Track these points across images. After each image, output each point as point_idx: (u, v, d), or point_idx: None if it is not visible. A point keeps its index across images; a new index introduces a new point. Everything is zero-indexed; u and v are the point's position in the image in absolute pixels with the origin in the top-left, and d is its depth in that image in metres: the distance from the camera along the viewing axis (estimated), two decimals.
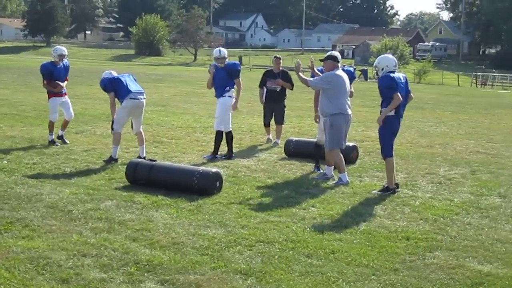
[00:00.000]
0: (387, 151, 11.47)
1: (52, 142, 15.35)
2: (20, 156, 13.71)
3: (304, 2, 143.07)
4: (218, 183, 11.00)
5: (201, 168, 11.46)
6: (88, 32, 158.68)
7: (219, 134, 14.37)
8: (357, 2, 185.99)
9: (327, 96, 12.07)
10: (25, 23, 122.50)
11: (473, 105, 35.62)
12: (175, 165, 12.36)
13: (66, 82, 15.78)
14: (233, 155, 14.41)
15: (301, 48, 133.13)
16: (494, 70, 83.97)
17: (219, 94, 14.32)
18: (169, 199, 10.33)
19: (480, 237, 8.95)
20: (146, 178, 11.16)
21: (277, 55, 17.40)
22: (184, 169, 11.53)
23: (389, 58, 11.67)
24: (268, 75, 16.97)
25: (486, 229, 9.35)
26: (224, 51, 14.54)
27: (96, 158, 13.81)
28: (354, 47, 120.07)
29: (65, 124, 15.83)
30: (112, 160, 13.35)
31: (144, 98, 13.58)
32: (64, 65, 15.71)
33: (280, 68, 16.97)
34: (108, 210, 9.59)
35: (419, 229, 9.20)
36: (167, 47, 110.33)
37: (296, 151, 14.83)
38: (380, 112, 11.42)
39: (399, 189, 11.53)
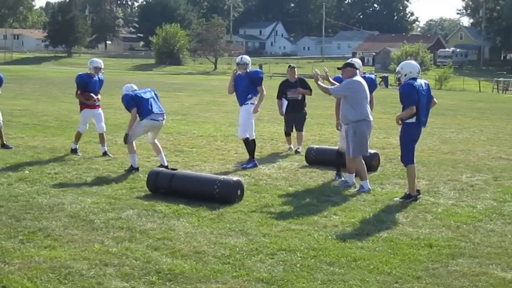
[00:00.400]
0: (407, 158, 11.41)
1: (74, 151, 15.37)
2: (42, 166, 13.77)
3: (323, 10, 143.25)
4: (239, 192, 10.98)
5: (222, 176, 11.45)
6: (108, 42, 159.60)
7: (247, 142, 14.39)
8: (377, 9, 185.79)
9: (349, 103, 12.03)
10: (46, 34, 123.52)
11: (495, 111, 35.43)
12: (196, 173, 12.37)
13: (99, 95, 15.65)
14: (256, 163, 14.39)
15: (321, 56, 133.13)
16: None
17: (242, 101, 14.34)
18: (190, 208, 10.32)
19: (503, 243, 8.87)
20: (167, 187, 11.17)
21: (291, 64, 17.35)
22: (205, 178, 11.52)
23: (413, 64, 11.61)
24: (287, 85, 16.91)
25: (510, 236, 9.26)
26: (246, 57, 14.52)
27: (117, 167, 13.85)
28: (374, 54, 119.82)
29: (101, 138, 15.62)
30: (133, 169, 13.38)
31: (164, 119, 13.62)
32: (99, 78, 15.61)
33: (296, 76, 16.92)
34: (129, 219, 9.60)
35: (441, 236, 9.14)
36: (187, 56, 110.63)
37: (317, 158, 14.79)
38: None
39: (421, 196, 11.47)
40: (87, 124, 15.62)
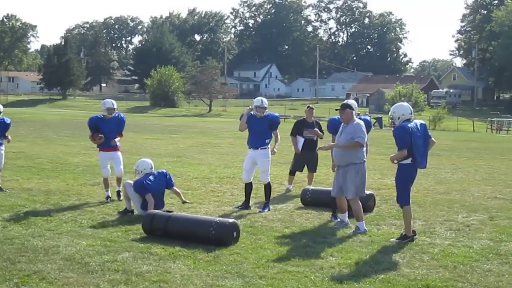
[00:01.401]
0: (403, 199, 11.43)
1: (107, 199, 14.88)
2: (37, 208, 13.74)
3: (317, 52, 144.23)
4: (235, 234, 10.95)
5: (218, 218, 11.43)
6: (103, 85, 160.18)
7: (268, 186, 14.40)
8: (370, 50, 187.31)
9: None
10: (42, 76, 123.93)
11: (489, 150, 35.53)
12: (192, 216, 12.33)
13: (119, 137, 15.29)
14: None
15: (315, 97, 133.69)
16: (509, 116, 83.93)
17: (258, 144, 14.18)
18: (186, 250, 10.28)
19: (500, 283, 8.85)
20: (163, 229, 11.14)
21: (310, 105, 17.38)
22: (201, 220, 11.49)
23: (404, 106, 11.67)
24: (303, 124, 16.88)
25: (507, 276, 9.24)
26: (266, 101, 14.49)
27: (113, 210, 13.81)
28: (368, 95, 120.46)
29: (118, 180, 15.18)
30: (127, 212, 13.35)
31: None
32: (117, 118, 15.19)
33: (312, 117, 17.00)
34: (125, 262, 9.55)
35: (438, 277, 9.11)
36: (182, 98, 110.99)
37: (313, 200, 14.77)
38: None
39: (416, 236, 11.45)
40: (107, 167, 15.12)
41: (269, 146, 14.33)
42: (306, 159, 16.98)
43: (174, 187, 13.39)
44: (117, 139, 15.14)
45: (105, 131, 14.96)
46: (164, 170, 13.69)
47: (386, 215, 13.83)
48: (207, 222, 11.06)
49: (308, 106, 17.33)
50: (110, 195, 15.02)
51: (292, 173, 17.23)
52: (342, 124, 12.45)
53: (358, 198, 12.23)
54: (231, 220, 11.22)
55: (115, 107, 15.22)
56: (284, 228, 12.39)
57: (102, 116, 15.10)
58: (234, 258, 9.94)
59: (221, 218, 11.57)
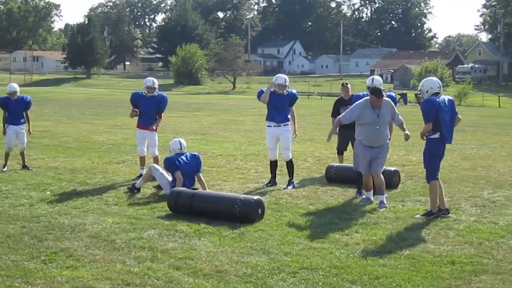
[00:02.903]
0: (430, 174, 11.37)
1: (138, 177, 14.65)
2: (63, 186, 13.84)
3: (341, 28, 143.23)
4: (260, 210, 10.97)
5: (242, 195, 11.46)
6: (127, 63, 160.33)
7: (290, 163, 14.49)
8: (395, 26, 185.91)
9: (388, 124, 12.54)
10: (66, 56, 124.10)
11: None
12: (217, 193, 12.38)
13: (159, 119, 15.13)
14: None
15: (339, 74, 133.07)
16: None
17: (281, 120, 14.21)
18: (211, 227, 10.32)
19: None
20: (188, 207, 11.18)
21: (344, 83, 16.56)
22: (225, 197, 11.53)
23: (433, 80, 11.60)
24: (340, 103, 16.30)
25: None
26: (287, 78, 14.49)
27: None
28: (392, 71, 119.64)
29: (155, 160, 14.95)
30: (135, 189, 13.38)
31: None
32: (157, 97, 15.00)
33: (350, 94, 16.47)
34: (151, 239, 9.61)
35: (464, 253, 9.08)
36: (206, 75, 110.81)
37: (337, 176, 14.77)
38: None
39: (448, 215, 11.35)
40: (142, 145, 15.07)
41: (290, 122, 14.36)
42: (349, 137, 16.29)
43: (200, 174, 13.31)
44: (154, 126, 14.96)
45: (143, 109, 14.90)
46: (197, 153, 13.64)
47: (411, 192, 13.79)
48: (232, 199, 11.08)
49: (342, 84, 16.72)
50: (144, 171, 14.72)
51: (339, 152, 16.66)
52: (364, 107, 12.35)
53: None
54: (256, 197, 11.24)
55: (156, 86, 15.04)
56: (308, 205, 12.40)
57: (144, 93, 15.02)
58: (259, 235, 9.97)
59: (246, 195, 11.61)
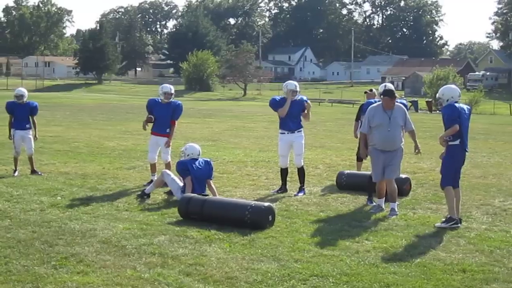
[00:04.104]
0: (446, 180, 11.29)
1: (149, 183, 14.47)
2: (74, 192, 13.86)
3: (352, 35, 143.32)
4: (270, 217, 10.96)
5: (253, 202, 11.46)
6: (138, 69, 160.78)
7: (302, 170, 14.49)
8: (406, 33, 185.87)
9: (401, 129, 12.37)
10: (77, 61, 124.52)
11: None
12: (227, 199, 12.37)
13: (173, 127, 15.01)
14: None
15: (350, 81, 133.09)
16: None
17: (295, 127, 14.24)
18: (221, 234, 10.32)
19: None
20: (199, 213, 11.18)
21: (366, 90, 16.34)
22: (236, 204, 11.52)
23: (453, 88, 11.53)
24: (361, 109, 16.36)
25: None
26: (298, 84, 14.51)
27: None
28: (403, 78, 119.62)
29: (167, 166, 14.82)
30: (145, 195, 13.37)
31: None
32: (172, 105, 14.95)
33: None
34: (161, 245, 9.61)
35: (475, 261, 9.05)
36: (217, 82, 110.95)
37: (348, 183, 14.74)
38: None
39: (459, 225, 11.28)
40: (153, 153, 15.01)
41: (303, 128, 14.37)
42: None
43: (211, 181, 13.30)
44: (173, 129, 14.99)
45: (157, 115, 14.87)
46: (209, 160, 13.64)
47: (422, 199, 13.76)
48: (242, 206, 11.07)
49: (365, 92, 16.59)
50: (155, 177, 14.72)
51: (358, 159, 16.65)
52: (375, 109, 12.36)
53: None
54: (266, 204, 11.24)
55: (173, 92, 15.06)
56: (319, 211, 12.38)
57: (160, 100, 15.01)
58: (270, 241, 9.96)
59: (256, 202, 11.61)
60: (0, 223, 10.87)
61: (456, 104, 11.17)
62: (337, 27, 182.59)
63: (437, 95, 11.62)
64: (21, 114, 16.12)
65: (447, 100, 11.25)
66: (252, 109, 57.41)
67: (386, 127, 12.10)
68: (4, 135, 16.63)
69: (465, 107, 11.42)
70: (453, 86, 11.88)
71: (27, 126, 16.18)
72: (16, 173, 15.86)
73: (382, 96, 12.57)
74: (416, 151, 12.37)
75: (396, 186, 12.35)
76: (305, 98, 14.49)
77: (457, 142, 11.16)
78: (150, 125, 15.09)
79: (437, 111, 49.71)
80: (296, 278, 8.15)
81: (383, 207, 12.46)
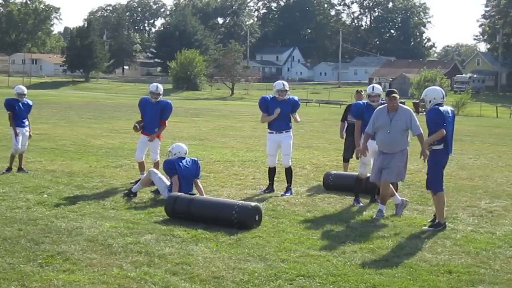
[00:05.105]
0: (437, 185, 11.31)
1: (136, 182, 14.38)
2: (60, 190, 13.81)
3: (340, 36, 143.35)
4: (257, 217, 10.96)
5: (240, 202, 11.46)
6: (126, 67, 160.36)
7: (289, 170, 14.48)
8: (394, 35, 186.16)
9: (407, 132, 12.15)
10: (65, 59, 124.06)
11: None
12: (214, 199, 12.36)
13: (163, 126, 15.03)
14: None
15: (337, 82, 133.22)
16: None
17: (283, 127, 14.23)
18: (208, 233, 10.32)
19: None
20: (186, 212, 11.17)
21: (359, 89, 16.55)
22: (223, 203, 11.51)
23: (437, 90, 11.55)
24: (348, 109, 16.37)
25: None
26: (287, 84, 14.45)
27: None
28: (391, 79, 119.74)
29: (156, 165, 14.80)
30: (131, 193, 13.34)
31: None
32: (160, 104, 14.84)
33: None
34: (148, 244, 9.60)
35: (461, 263, 9.09)
36: (205, 81, 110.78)
37: (335, 184, 14.76)
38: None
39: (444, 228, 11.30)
40: (140, 151, 14.96)
41: (291, 129, 14.36)
42: (354, 144, 16.13)
43: (198, 180, 13.29)
44: (161, 128, 14.97)
45: (146, 114, 14.84)
46: (196, 159, 13.62)
47: (409, 201, 13.77)
48: (229, 205, 11.07)
49: (357, 91, 16.49)
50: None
51: (345, 160, 16.65)
52: (380, 111, 12.26)
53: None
54: (253, 204, 11.24)
55: (160, 92, 14.88)
56: (306, 212, 12.39)
57: (149, 99, 14.92)
58: (256, 241, 9.96)
59: (243, 201, 11.61)
60: None
61: (441, 108, 11.17)
62: (325, 28, 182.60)
63: (421, 96, 11.63)
64: (22, 112, 16.21)
65: (430, 102, 11.26)
66: (239, 108, 57.41)
67: (386, 129, 12.04)
68: None
69: (449, 109, 11.42)
70: (436, 87, 11.89)
71: (26, 123, 16.25)
72: (5, 171, 15.79)
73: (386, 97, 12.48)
74: (421, 157, 11.84)
75: (390, 191, 12.23)
76: (296, 98, 14.45)
77: (440, 146, 11.17)
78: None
79: (423, 113, 49.24)
80: (283, 278, 8.16)
81: (384, 213, 12.21)
